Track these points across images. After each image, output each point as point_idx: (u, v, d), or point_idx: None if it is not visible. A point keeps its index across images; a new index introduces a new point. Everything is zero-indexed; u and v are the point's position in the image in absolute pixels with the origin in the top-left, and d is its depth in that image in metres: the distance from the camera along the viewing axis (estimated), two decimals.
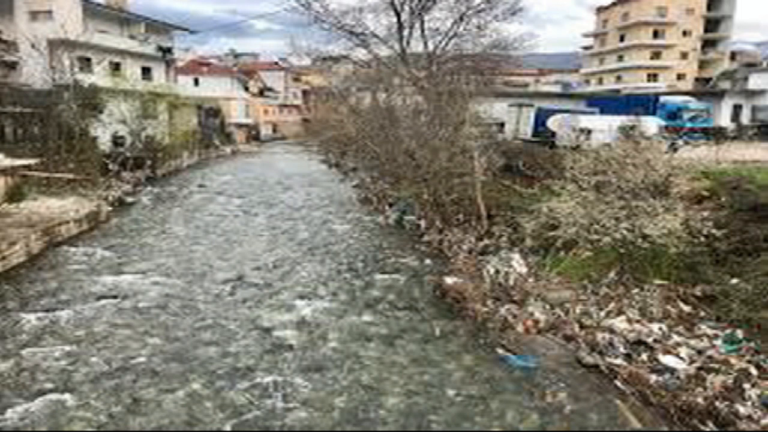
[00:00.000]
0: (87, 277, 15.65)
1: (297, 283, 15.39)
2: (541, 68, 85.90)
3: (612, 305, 12.17)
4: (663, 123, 23.62)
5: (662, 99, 32.99)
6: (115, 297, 13.99)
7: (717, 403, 8.59)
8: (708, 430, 8.36)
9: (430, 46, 28.42)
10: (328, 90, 49.58)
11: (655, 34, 69.45)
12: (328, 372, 10.26)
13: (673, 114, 30.43)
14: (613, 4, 74.29)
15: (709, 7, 69.60)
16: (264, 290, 14.75)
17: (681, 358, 10.01)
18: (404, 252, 18.53)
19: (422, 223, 21.51)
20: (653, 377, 9.52)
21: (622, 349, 10.51)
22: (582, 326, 11.59)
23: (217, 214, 25.43)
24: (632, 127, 15.62)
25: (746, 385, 8.95)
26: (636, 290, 12.51)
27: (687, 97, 35.16)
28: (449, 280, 14.41)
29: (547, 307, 12.51)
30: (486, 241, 17.63)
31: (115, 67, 38.80)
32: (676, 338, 10.72)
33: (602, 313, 11.93)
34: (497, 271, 14.43)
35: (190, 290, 14.66)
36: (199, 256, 18.10)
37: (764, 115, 36.36)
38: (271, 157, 54.54)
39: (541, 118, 28.10)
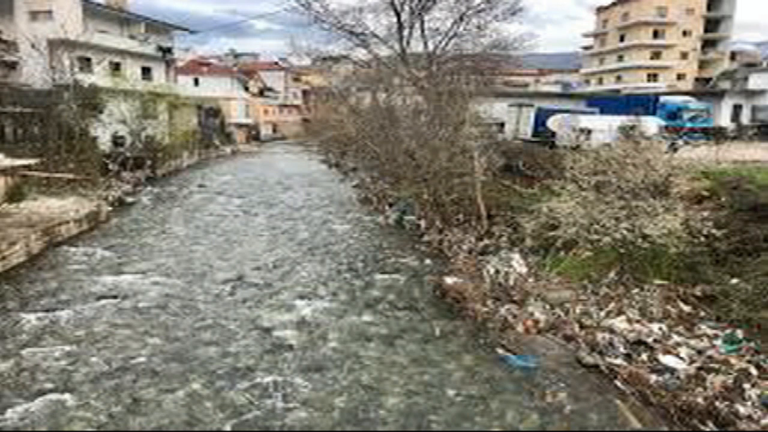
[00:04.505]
0: (87, 277, 15.65)
1: (297, 283, 15.39)
2: (541, 68, 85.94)
3: (612, 305, 12.17)
4: (663, 123, 23.60)
5: (662, 99, 32.94)
6: (115, 297, 13.99)
7: (717, 403, 8.59)
8: (708, 430, 8.36)
9: (430, 46, 28.46)
10: (328, 90, 49.58)
11: (655, 34, 69.47)
12: (328, 372, 10.26)
13: (673, 114, 30.39)
14: (613, 4, 74.29)
15: (709, 7, 69.61)
16: (264, 290, 14.76)
17: (681, 358, 10.01)
18: (404, 252, 18.52)
19: (422, 223, 21.50)
20: (653, 377, 9.52)
21: (622, 349, 10.51)
22: (582, 326, 11.59)
23: (217, 214, 25.43)
24: (632, 127, 15.61)
25: (746, 385, 8.95)
26: (636, 290, 12.51)
27: (687, 97, 35.12)
28: (449, 280, 14.41)
29: (547, 307, 12.51)
30: (486, 241, 17.63)
31: (115, 67, 38.80)
32: (676, 338, 10.72)
33: (602, 313, 11.93)
34: (497, 271, 14.43)
35: (190, 290, 14.66)
36: (199, 256, 18.10)
37: (764, 115, 36.34)
38: (271, 157, 54.52)
39: (541, 118, 28.08)
